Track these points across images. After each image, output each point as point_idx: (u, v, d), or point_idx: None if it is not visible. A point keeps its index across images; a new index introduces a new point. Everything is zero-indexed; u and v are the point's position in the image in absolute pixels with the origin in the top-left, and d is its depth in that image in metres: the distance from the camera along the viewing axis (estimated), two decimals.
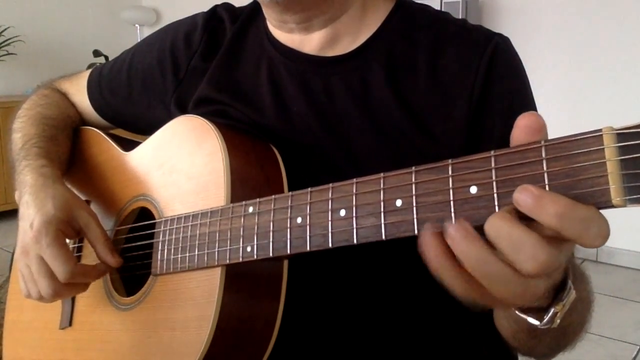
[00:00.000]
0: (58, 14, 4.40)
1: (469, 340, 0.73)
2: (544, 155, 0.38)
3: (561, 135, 0.38)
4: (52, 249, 0.67)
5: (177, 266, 0.64)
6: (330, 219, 0.49)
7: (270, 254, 0.54)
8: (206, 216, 0.62)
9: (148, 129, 0.78)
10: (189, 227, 0.63)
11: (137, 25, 4.62)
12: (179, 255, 0.64)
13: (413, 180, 0.44)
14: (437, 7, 2.41)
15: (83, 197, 0.79)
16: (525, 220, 0.38)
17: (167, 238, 0.66)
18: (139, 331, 0.68)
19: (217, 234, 0.60)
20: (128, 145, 0.81)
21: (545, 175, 0.37)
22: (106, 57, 4.11)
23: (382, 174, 0.46)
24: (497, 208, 0.39)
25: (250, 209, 0.57)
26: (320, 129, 0.69)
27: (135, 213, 0.76)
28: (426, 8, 0.75)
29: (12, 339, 0.87)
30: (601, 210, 0.36)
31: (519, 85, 0.69)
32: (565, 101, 2.95)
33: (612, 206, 0.35)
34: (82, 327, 0.77)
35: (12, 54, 3.94)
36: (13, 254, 0.82)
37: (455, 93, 0.66)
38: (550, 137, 0.39)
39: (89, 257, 0.77)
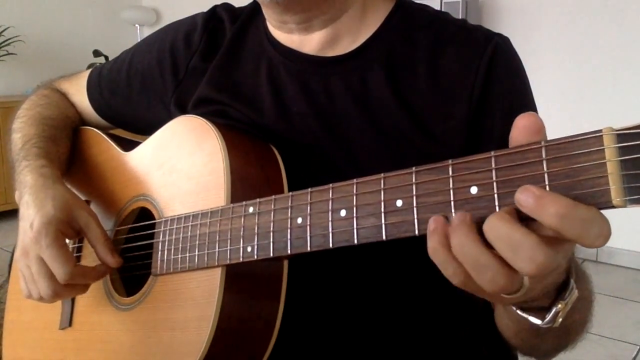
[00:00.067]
0: (58, 14, 4.40)
1: (469, 340, 0.73)
2: (544, 155, 0.38)
3: (561, 136, 0.38)
4: (51, 250, 0.67)
5: (177, 266, 0.64)
6: (330, 219, 0.49)
7: (271, 254, 0.54)
8: (206, 216, 0.62)
9: (148, 129, 0.78)
10: (189, 227, 0.63)
11: (137, 25, 4.62)
12: (179, 256, 0.64)
13: (413, 180, 0.44)
14: (437, 7, 2.41)
15: (83, 197, 0.79)
16: (526, 221, 0.38)
17: (167, 238, 0.66)
18: (139, 331, 0.68)
19: (218, 234, 0.60)
20: (128, 145, 0.81)
21: (546, 175, 0.37)
22: (106, 57, 4.11)
23: (382, 174, 0.46)
24: (497, 208, 0.39)
25: (251, 209, 0.57)
26: (320, 129, 0.69)
27: (135, 213, 0.76)
28: (426, 8, 0.75)
29: (11, 339, 0.87)
30: (601, 211, 0.36)
31: (519, 85, 0.69)
32: (565, 101, 2.95)
33: (613, 207, 0.35)
34: (82, 328, 0.77)
35: (12, 54, 3.94)
36: (13, 254, 0.82)
37: (455, 93, 0.66)
38: (550, 137, 0.39)
39: (89, 258, 0.77)
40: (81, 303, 0.78)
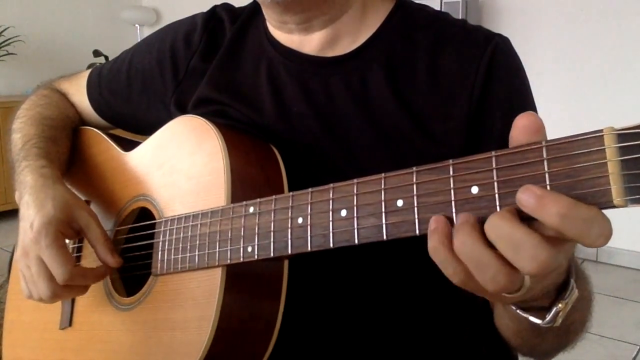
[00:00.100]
0: (58, 14, 4.40)
1: (469, 339, 0.73)
2: (545, 155, 0.38)
3: (562, 136, 0.38)
4: (50, 250, 0.67)
5: (178, 266, 0.64)
6: (331, 219, 0.49)
7: (271, 254, 0.54)
8: (206, 216, 0.61)
9: (148, 129, 0.78)
10: (189, 227, 0.63)
11: (137, 25, 4.62)
12: (179, 256, 0.64)
13: (414, 180, 0.44)
14: (437, 7, 2.41)
15: (83, 197, 0.78)
16: (527, 220, 0.38)
17: (167, 238, 0.66)
18: (139, 331, 0.68)
19: (218, 234, 0.60)
20: (128, 145, 0.81)
21: (547, 175, 0.37)
22: (106, 57, 4.11)
23: (383, 174, 0.46)
24: (498, 208, 0.39)
25: (251, 209, 0.57)
26: (320, 129, 0.69)
27: (135, 213, 0.76)
28: (426, 8, 0.75)
29: (11, 339, 0.87)
30: (602, 211, 0.36)
31: (518, 85, 0.69)
32: (565, 101, 2.95)
33: (613, 206, 0.35)
34: (82, 328, 0.77)
35: (12, 54, 3.93)
36: (13, 254, 0.82)
37: (455, 93, 0.66)
38: (550, 137, 0.39)
39: (89, 258, 0.77)
40: (81, 303, 0.78)
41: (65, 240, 0.71)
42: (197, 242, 0.62)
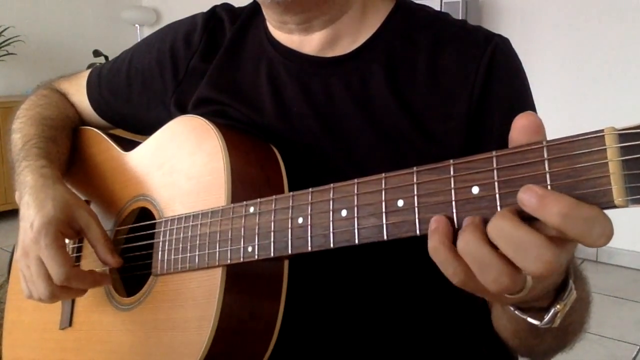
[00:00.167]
0: (58, 14, 4.40)
1: (468, 339, 0.73)
2: (545, 155, 0.38)
3: (562, 136, 0.38)
4: (49, 250, 0.67)
5: (178, 266, 0.64)
6: (331, 219, 0.49)
7: (272, 254, 0.54)
8: (207, 216, 0.61)
9: (148, 129, 0.78)
10: (190, 227, 0.63)
11: (137, 25, 4.62)
12: (180, 256, 0.64)
13: (415, 180, 0.44)
14: (437, 7, 2.41)
15: (83, 197, 0.78)
16: (527, 221, 0.38)
17: (167, 238, 0.66)
18: (139, 331, 0.68)
19: (218, 234, 0.60)
20: (128, 145, 0.81)
21: (547, 175, 0.37)
22: (106, 57, 4.11)
23: (383, 174, 0.46)
24: (499, 208, 0.39)
25: (251, 209, 0.57)
26: (320, 130, 0.69)
27: (135, 213, 0.76)
28: (426, 8, 0.75)
29: (11, 340, 0.87)
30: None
31: (518, 86, 0.69)
32: (565, 101, 2.95)
33: (614, 207, 0.35)
34: (82, 328, 0.77)
35: (12, 54, 3.93)
36: (12, 254, 0.82)
37: (455, 93, 0.66)
38: (551, 137, 0.39)
39: (89, 258, 0.77)
40: (81, 303, 0.78)
41: (65, 241, 0.71)
42: (197, 242, 0.62)
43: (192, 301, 0.62)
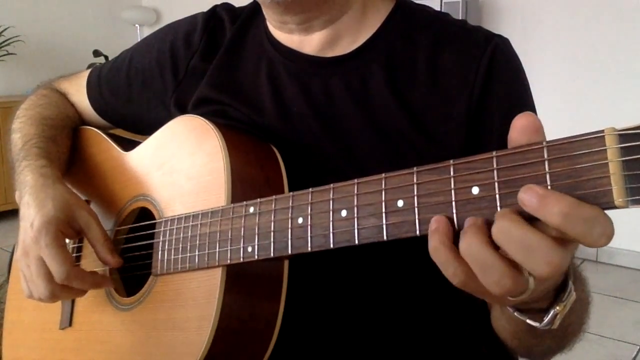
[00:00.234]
0: (58, 14, 4.40)
1: (469, 338, 0.73)
2: (545, 156, 0.38)
3: (562, 136, 0.38)
4: (50, 250, 0.67)
5: (178, 266, 0.64)
6: (331, 219, 0.49)
7: (272, 254, 0.54)
8: (207, 216, 0.61)
9: (148, 129, 0.78)
10: (190, 227, 0.63)
11: (137, 25, 4.62)
12: (180, 256, 0.64)
13: (415, 180, 0.44)
14: (437, 7, 2.41)
15: (83, 197, 0.78)
16: (528, 221, 0.38)
17: (167, 238, 0.66)
18: (139, 331, 0.68)
19: (218, 234, 0.60)
20: (128, 145, 0.81)
21: (547, 176, 0.37)
22: (106, 57, 4.11)
23: (383, 175, 0.46)
24: (499, 209, 0.39)
25: (251, 209, 0.57)
26: (320, 130, 0.69)
27: (135, 213, 0.76)
28: (426, 8, 0.75)
29: (12, 339, 0.87)
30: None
31: (518, 86, 0.69)
32: (565, 101, 2.95)
33: (615, 207, 0.35)
34: (82, 328, 0.77)
35: (12, 54, 3.93)
36: (12, 254, 0.82)
37: (455, 94, 0.66)
38: (550, 137, 0.39)
39: (89, 258, 0.77)
40: (81, 303, 0.78)
41: (66, 240, 0.71)
42: (197, 242, 0.62)
43: (192, 301, 0.62)
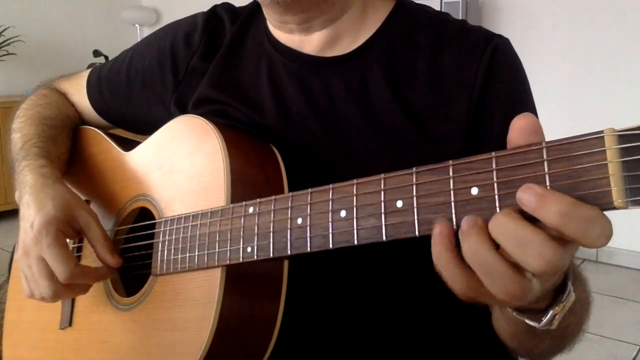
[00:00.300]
0: (58, 14, 4.40)
1: (468, 338, 0.72)
2: (545, 156, 0.38)
3: (561, 137, 0.38)
4: (52, 250, 0.67)
5: (177, 266, 0.64)
6: (330, 219, 0.49)
7: (271, 255, 0.54)
8: (206, 216, 0.61)
9: (148, 129, 0.78)
10: (189, 228, 0.63)
11: (137, 25, 4.62)
12: (179, 256, 0.64)
13: (414, 181, 0.44)
14: (437, 7, 2.41)
15: (83, 197, 0.78)
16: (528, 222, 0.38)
17: (167, 238, 0.66)
18: (139, 331, 0.68)
19: (218, 235, 0.60)
20: (128, 145, 0.81)
21: (547, 176, 0.37)
22: (106, 57, 4.11)
23: (382, 175, 0.46)
24: (498, 209, 0.39)
25: (251, 210, 0.57)
26: (320, 130, 0.69)
27: (135, 213, 0.76)
28: (426, 9, 0.75)
29: (12, 339, 0.87)
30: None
31: (518, 86, 0.69)
32: (565, 101, 2.95)
33: (614, 208, 0.35)
34: (82, 327, 0.77)
35: (12, 54, 3.93)
36: (13, 254, 0.82)
37: (455, 94, 0.66)
38: (550, 138, 0.39)
39: (89, 257, 0.77)
40: (81, 303, 0.78)
41: (66, 240, 0.71)
42: (197, 242, 0.62)
43: (192, 301, 0.62)
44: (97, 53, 4.22)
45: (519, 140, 0.39)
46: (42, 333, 0.82)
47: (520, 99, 0.69)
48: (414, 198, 0.44)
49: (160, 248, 0.67)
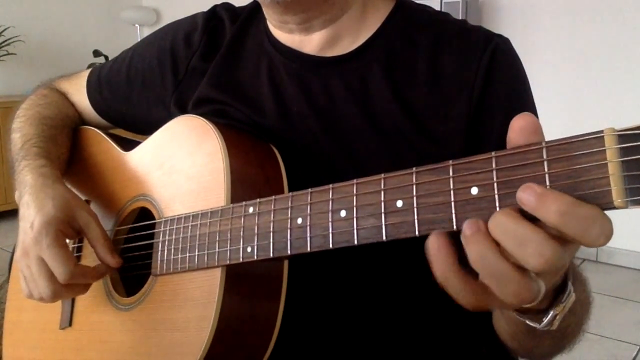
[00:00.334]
0: (58, 14, 4.40)
1: (468, 339, 0.72)
2: (545, 156, 0.38)
3: (562, 136, 0.38)
4: (51, 250, 0.67)
5: (177, 266, 0.64)
6: (330, 219, 0.49)
7: (271, 255, 0.54)
8: (206, 216, 0.61)
9: (148, 129, 0.78)
10: (189, 228, 0.63)
11: (137, 25, 4.62)
12: (179, 256, 0.64)
13: (414, 181, 0.44)
14: (437, 7, 2.41)
15: (83, 197, 0.78)
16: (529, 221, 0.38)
17: (167, 238, 0.66)
18: (139, 331, 0.68)
19: (217, 235, 0.60)
20: (128, 145, 0.81)
21: (547, 176, 0.37)
22: (106, 57, 4.11)
23: (382, 175, 0.46)
24: (498, 209, 0.39)
25: (251, 210, 0.57)
26: (320, 130, 0.69)
27: (135, 213, 0.76)
28: (426, 8, 0.75)
29: (12, 339, 0.87)
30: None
31: (518, 86, 0.69)
32: (565, 101, 2.95)
33: (614, 208, 0.35)
34: (82, 327, 0.77)
35: (12, 54, 3.93)
36: (13, 254, 0.82)
37: (455, 94, 0.66)
38: (550, 137, 0.39)
39: (89, 257, 0.77)
40: (81, 303, 0.78)
41: (66, 240, 0.71)
42: (197, 242, 0.62)
43: (192, 301, 0.62)
44: (97, 53, 4.22)
45: (518, 140, 0.39)
46: (42, 333, 0.82)
47: (520, 98, 0.69)
48: (414, 198, 0.44)
49: (160, 248, 0.67)
